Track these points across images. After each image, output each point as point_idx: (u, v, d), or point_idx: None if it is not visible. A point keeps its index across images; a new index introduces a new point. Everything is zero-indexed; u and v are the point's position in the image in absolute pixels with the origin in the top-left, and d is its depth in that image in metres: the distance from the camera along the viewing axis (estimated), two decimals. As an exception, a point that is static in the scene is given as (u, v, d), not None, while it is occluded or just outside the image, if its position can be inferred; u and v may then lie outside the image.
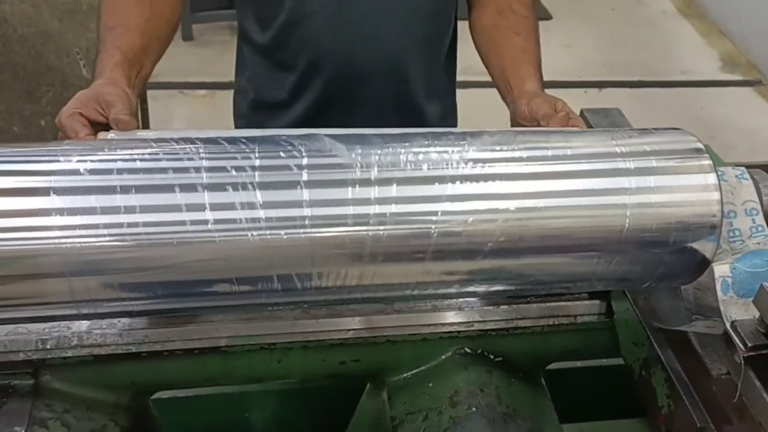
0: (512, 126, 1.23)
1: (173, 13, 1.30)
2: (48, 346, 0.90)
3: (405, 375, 1.01)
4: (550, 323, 1.01)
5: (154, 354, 0.94)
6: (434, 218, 0.80)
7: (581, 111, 1.27)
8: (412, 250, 0.80)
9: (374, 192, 0.79)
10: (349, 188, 0.79)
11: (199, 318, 0.94)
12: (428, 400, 0.97)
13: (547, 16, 5.00)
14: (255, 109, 1.53)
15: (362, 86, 1.41)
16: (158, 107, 3.35)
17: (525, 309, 1.00)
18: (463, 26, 1.49)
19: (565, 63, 4.40)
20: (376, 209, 0.79)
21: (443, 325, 0.99)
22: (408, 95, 1.46)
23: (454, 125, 1.62)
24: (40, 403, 0.90)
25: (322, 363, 0.99)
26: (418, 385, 1.00)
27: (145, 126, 2.80)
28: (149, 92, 2.96)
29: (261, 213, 0.77)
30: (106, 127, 1.05)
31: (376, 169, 0.80)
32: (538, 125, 1.12)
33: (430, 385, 0.98)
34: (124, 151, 0.80)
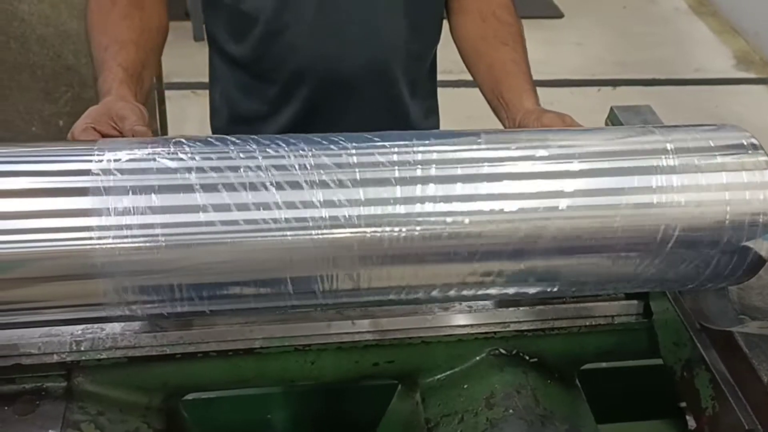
0: None
1: (161, 23, 1.27)
2: (82, 348, 0.89)
3: (439, 376, 1.00)
4: (587, 324, 1.00)
5: (187, 355, 0.93)
6: (476, 218, 0.78)
7: (611, 108, 1.25)
8: (444, 251, 0.79)
9: (397, 192, 0.77)
10: (363, 188, 0.77)
11: (232, 319, 0.93)
12: (464, 402, 0.96)
13: (559, 15, 4.99)
14: (233, 123, 1.47)
15: (348, 91, 1.37)
16: (171, 107, 3.33)
17: (561, 309, 0.99)
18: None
19: (577, 61, 4.38)
20: (401, 209, 0.77)
21: (478, 326, 0.98)
22: (394, 96, 1.42)
23: (437, 123, 1.59)
24: (74, 405, 0.89)
25: (356, 364, 0.98)
26: (453, 386, 0.98)
27: (164, 126, 2.79)
28: (161, 93, 2.95)
29: (287, 213, 0.75)
30: None
31: (399, 168, 0.78)
32: None
33: (465, 386, 0.97)
34: (156, 149, 0.78)
